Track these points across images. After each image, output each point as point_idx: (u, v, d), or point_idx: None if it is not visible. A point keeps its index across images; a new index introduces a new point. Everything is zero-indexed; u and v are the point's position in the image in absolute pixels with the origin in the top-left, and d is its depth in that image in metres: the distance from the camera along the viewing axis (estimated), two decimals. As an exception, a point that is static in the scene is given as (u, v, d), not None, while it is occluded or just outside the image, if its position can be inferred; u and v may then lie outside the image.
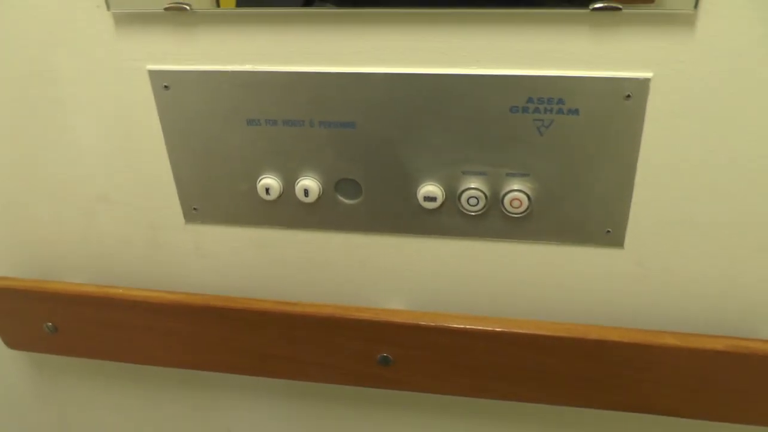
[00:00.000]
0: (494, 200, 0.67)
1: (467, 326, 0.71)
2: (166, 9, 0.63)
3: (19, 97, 0.73)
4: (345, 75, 0.63)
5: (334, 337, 0.75)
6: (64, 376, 0.99)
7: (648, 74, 0.58)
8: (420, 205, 0.68)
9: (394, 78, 0.62)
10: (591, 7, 0.56)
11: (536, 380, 0.73)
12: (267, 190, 0.70)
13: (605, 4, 0.55)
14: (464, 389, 0.76)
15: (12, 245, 0.85)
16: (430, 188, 0.66)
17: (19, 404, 1.05)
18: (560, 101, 0.61)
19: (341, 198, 0.70)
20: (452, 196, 0.67)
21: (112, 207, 0.78)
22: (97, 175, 0.76)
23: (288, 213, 0.72)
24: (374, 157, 0.66)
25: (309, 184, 0.69)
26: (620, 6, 0.55)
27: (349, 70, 0.62)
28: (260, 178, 0.70)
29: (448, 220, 0.69)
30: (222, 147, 0.69)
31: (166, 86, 0.68)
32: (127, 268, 0.83)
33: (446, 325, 0.71)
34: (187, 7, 0.62)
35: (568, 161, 0.63)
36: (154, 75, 0.68)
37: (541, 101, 0.61)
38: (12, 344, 0.91)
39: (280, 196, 0.70)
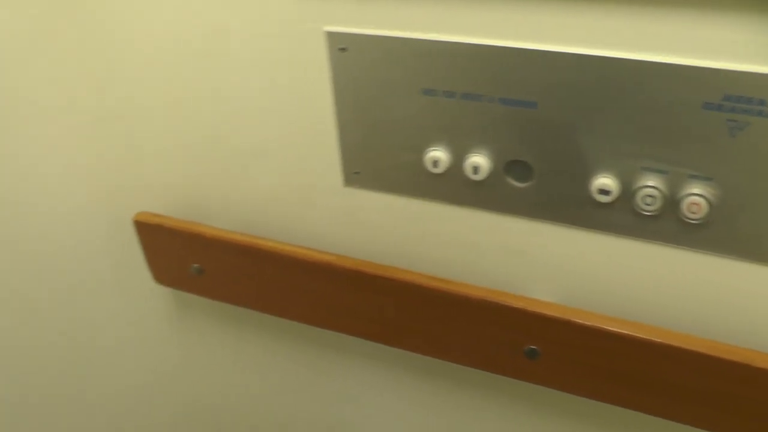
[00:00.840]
0: (671, 202, 0.62)
1: (623, 331, 0.67)
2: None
3: (191, 50, 0.75)
4: (532, 52, 0.60)
5: (483, 322, 0.73)
6: (200, 316, 1.02)
7: None
8: (591, 197, 0.65)
9: (584, 59, 0.59)
10: (818, -4, 0.50)
11: (689, 399, 0.69)
12: (434, 163, 0.68)
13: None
14: (610, 396, 0.72)
15: (171, 186, 0.88)
16: (606, 181, 0.63)
17: (151, 334, 1.09)
18: (761, 102, 0.56)
19: (510, 180, 0.68)
20: (627, 191, 0.63)
21: (272, 161, 0.79)
22: (261, 129, 0.77)
23: (452, 189, 0.70)
24: (551, 140, 0.63)
25: (479, 161, 0.67)
26: None
27: (537, 47, 0.60)
28: (429, 149, 0.68)
29: (618, 217, 0.65)
30: (393, 114, 0.68)
31: (342, 48, 0.67)
32: (278, 223, 0.84)
33: (601, 326, 0.68)
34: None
35: (759, 169, 0.58)
36: (331, 36, 0.67)
37: (740, 100, 0.56)
38: (159, 279, 0.94)
39: (447, 170, 0.69)
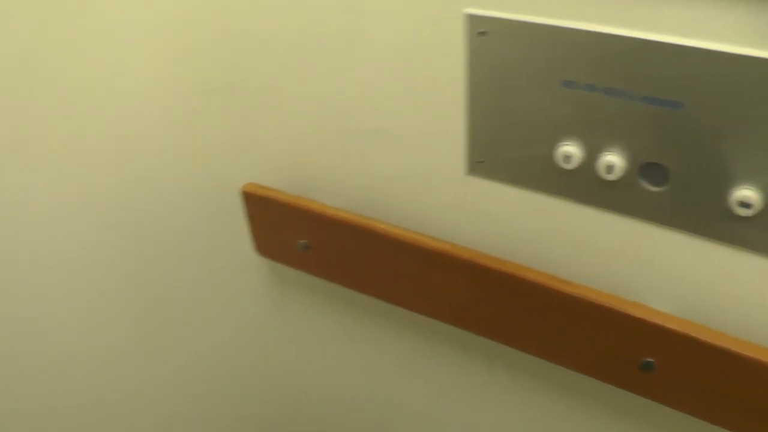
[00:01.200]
0: (818, 222, 0.58)
1: (750, 354, 0.63)
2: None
3: (320, 25, 0.74)
4: (685, 48, 0.57)
5: (600, 328, 0.70)
6: (295, 291, 1.03)
7: None
8: (729, 209, 0.61)
9: (740, 60, 0.55)
10: None
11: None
12: (566, 158, 0.66)
13: None
14: (725, 420, 0.69)
15: (283, 159, 0.89)
16: (748, 193, 0.59)
17: (244, 305, 1.11)
18: None
19: (643, 182, 0.65)
20: (770, 206, 0.60)
21: (392, 143, 0.78)
22: (384, 109, 0.76)
23: (581, 186, 0.68)
24: (693, 144, 0.60)
25: (614, 160, 0.64)
26: None
27: (690, 44, 0.56)
28: (561, 143, 0.66)
29: (756, 233, 0.61)
30: (528, 104, 0.66)
31: (482, 32, 0.66)
32: (391, 206, 0.83)
33: (727, 347, 0.64)
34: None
35: None
36: (471, 19, 0.66)
37: None
38: (262, 251, 0.95)
39: (578, 166, 0.66)
